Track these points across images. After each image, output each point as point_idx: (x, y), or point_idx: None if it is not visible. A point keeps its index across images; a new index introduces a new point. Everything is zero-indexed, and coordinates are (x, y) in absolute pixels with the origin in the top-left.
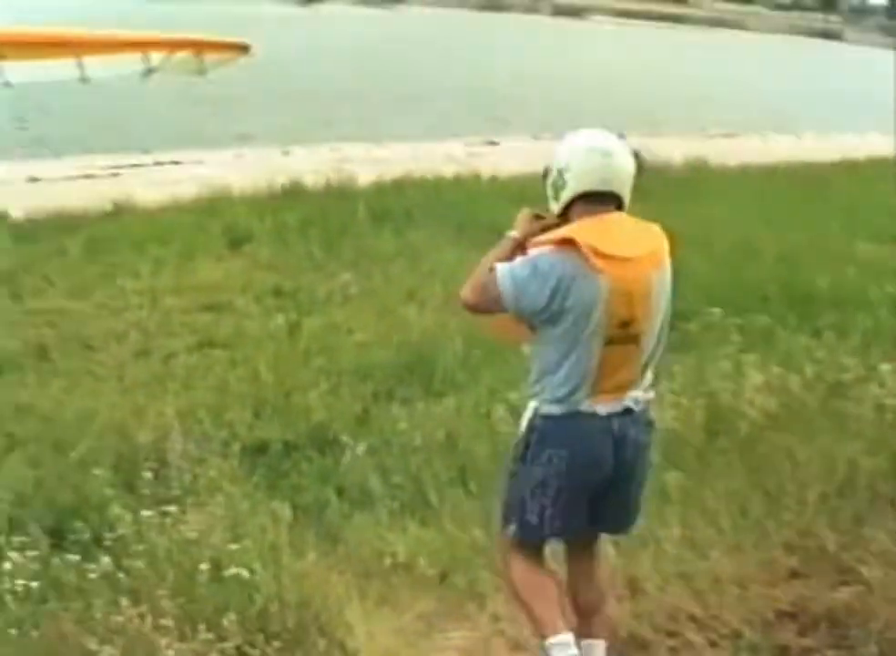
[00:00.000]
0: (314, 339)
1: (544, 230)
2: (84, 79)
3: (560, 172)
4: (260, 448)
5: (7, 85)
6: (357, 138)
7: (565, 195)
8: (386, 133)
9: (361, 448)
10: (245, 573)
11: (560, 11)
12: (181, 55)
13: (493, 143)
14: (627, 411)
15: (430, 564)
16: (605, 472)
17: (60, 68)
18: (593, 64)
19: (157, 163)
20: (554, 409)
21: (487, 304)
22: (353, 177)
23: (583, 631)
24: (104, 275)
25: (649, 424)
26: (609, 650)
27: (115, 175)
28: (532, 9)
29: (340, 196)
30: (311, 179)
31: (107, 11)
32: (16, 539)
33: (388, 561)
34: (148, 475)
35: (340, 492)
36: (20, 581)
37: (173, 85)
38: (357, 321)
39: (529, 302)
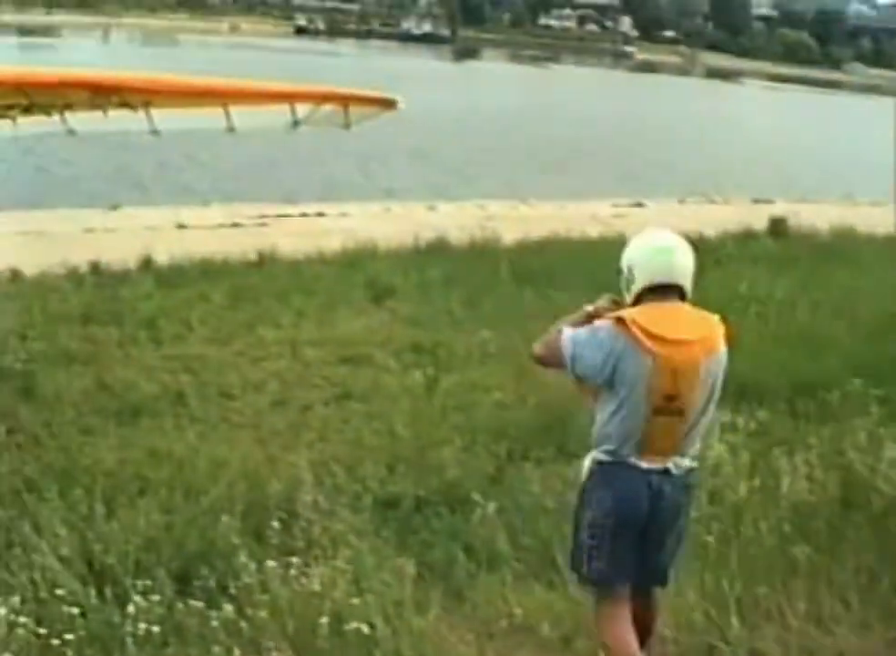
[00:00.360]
0: (451, 396)
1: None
2: (230, 129)
3: (629, 269)
4: (392, 503)
5: (155, 133)
6: (502, 195)
7: (635, 288)
8: (532, 192)
9: (491, 508)
10: (365, 628)
11: (713, 73)
12: (327, 108)
13: (639, 205)
14: (667, 471)
15: (553, 627)
16: (642, 515)
17: (207, 118)
18: (743, 128)
19: (303, 214)
20: (605, 458)
21: (551, 360)
22: (498, 235)
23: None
24: (245, 324)
25: (688, 487)
26: None
27: (261, 225)
28: (685, 71)
29: (483, 253)
30: (456, 236)
31: (257, 62)
32: (141, 583)
33: (510, 622)
34: (277, 525)
35: (468, 550)
36: (142, 625)
37: (320, 138)
38: (494, 379)
39: (583, 366)
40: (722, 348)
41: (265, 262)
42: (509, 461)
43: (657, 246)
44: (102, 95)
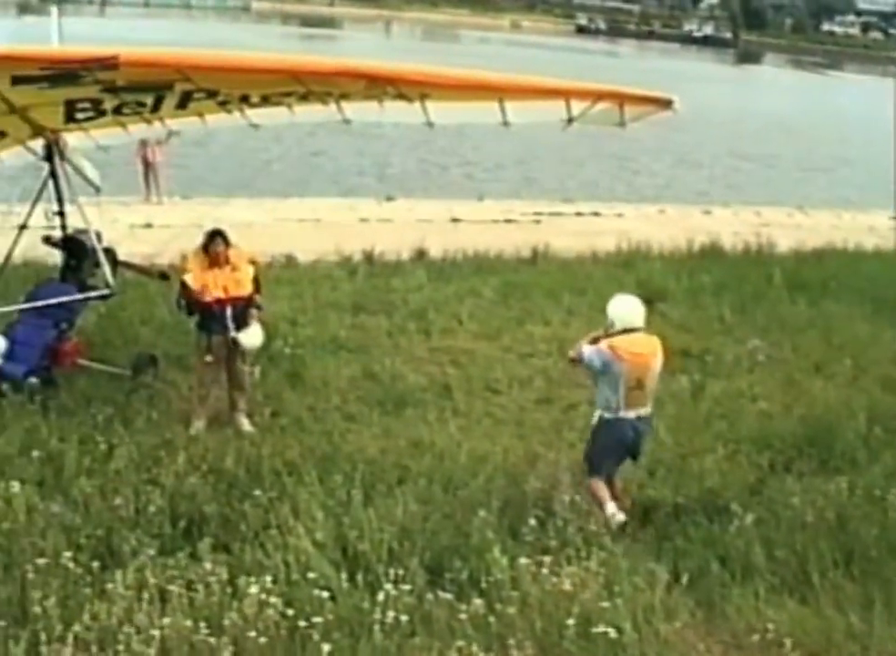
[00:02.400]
0: (716, 403)
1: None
2: (505, 123)
3: (612, 320)
4: (650, 507)
5: (430, 125)
6: (776, 202)
7: (616, 329)
8: (807, 199)
9: (749, 519)
10: (613, 632)
11: None
12: (603, 105)
13: None
14: (639, 417)
15: (801, 644)
16: (628, 443)
17: (482, 112)
18: None
19: (578, 213)
20: (608, 414)
21: (577, 362)
22: (772, 242)
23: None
24: (514, 320)
25: (649, 423)
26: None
27: (535, 222)
28: None
29: (757, 260)
30: (730, 241)
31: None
32: (394, 572)
33: (762, 637)
34: (533, 522)
35: (722, 560)
36: (391, 613)
37: (586, 136)
38: (761, 389)
39: (594, 365)
40: (661, 355)
41: (538, 259)
42: (771, 472)
43: (623, 307)
44: (379, 86)
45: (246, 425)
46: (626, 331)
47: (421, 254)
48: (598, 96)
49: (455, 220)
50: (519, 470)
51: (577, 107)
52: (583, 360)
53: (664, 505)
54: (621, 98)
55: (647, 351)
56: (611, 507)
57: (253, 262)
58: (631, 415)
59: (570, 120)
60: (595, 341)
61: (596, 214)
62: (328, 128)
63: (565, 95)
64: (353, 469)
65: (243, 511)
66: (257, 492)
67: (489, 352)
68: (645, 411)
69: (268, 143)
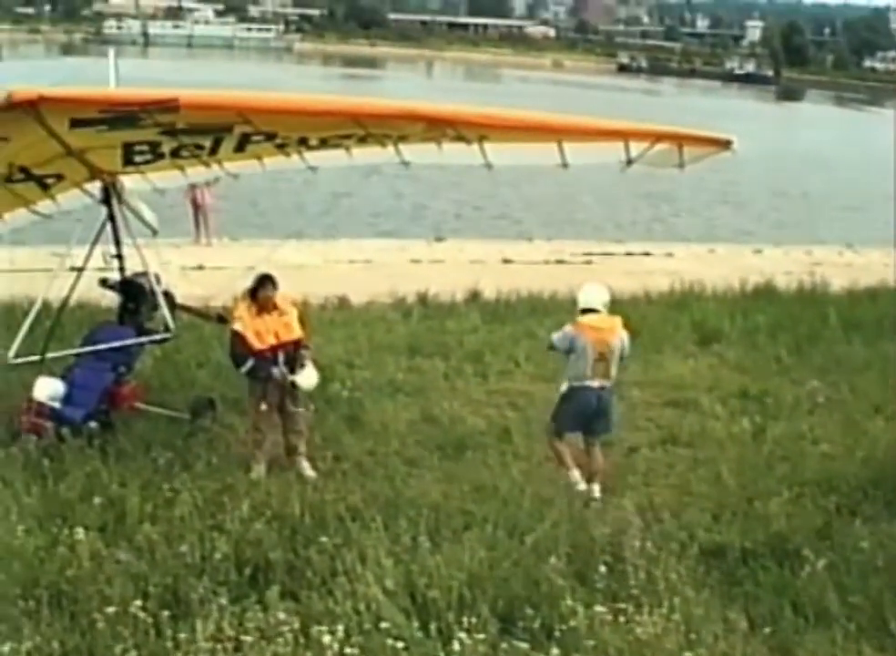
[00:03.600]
0: (778, 445)
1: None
2: (564, 165)
3: (577, 302)
4: (717, 553)
5: (488, 166)
6: (821, 240)
7: (579, 308)
8: (850, 237)
9: (820, 563)
10: None
11: None
12: (661, 147)
13: None
14: (602, 387)
15: None
16: (592, 408)
17: (540, 153)
18: None
19: (629, 253)
20: (575, 384)
21: (553, 348)
22: (825, 281)
23: (588, 479)
24: None
25: (611, 392)
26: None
27: (586, 262)
28: None
29: (811, 300)
30: (783, 281)
31: (579, 98)
32: (466, 620)
33: None
34: (603, 569)
35: (795, 606)
36: None
37: (623, 175)
38: (822, 430)
39: (561, 346)
40: (621, 332)
41: None
42: (837, 515)
43: (586, 291)
44: (438, 127)
45: (307, 469)
46: (585, 311)
47: (474, 296)
48: (657, 137)
49: (507, 261)
50: (585, 515)
51: (636, 148)
52: (555, 345)
53: (731, 549)
54: (680, 140)
55: (605, 327)
56: (575, 475)
57: (294, 305)
58: (595, 384)
59: (629, 162)
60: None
61: (647, 254)
62: (357, 168)
63: (624, 136)
64: (418, 515)
65: (309, 558)
66: (322, 538)
67: (547, 394)
68: (608, 382)
69: (298, 185)
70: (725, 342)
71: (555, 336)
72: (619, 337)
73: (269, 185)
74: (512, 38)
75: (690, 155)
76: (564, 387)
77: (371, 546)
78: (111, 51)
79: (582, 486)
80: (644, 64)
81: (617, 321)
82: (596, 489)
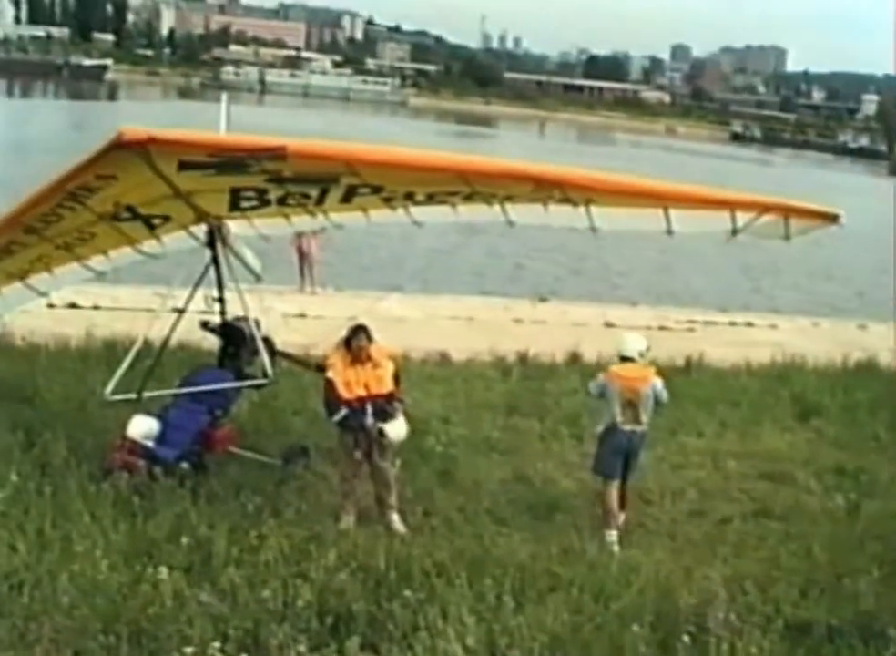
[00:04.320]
0: (872, 523)
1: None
2: (669, 232)
3: (619, 351)
4: (803, 628)
5: (594, 230)
6: None
7: (618, 356)
8: None
9: None
10: None
11: None
12: (768, 218)
13: None
14: (633, 431)
15: None
16: (624, 451)
17: (645, 218)
18: None
19: (732, 323)
20: (610, 426)
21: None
22: None
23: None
24: (667, 429)
25: (642, 438)
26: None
27: (689, 330)
28: None
29: None
30: (886, 358)
31: (690, 165)
32: None
33: None
34: (686, 639)
35: None
36: None
37: (721, 245)
38: None
39: (595, 392)
40: (652, 380)
41: (691, 369)
42: None
43: (624, 340)
44: (545, 189)
45: (397, 522)
46: (624, 359)
47: (575, 358)
48: (764, 208)
49: (609, 325)
50: (671, 584)
51: (742, 218)
52: (591, 391)
53: (817, 625)
54: (787, 212)
55: (634, 375)
56: (613, 536)
57: (392, 359)
58: (626, 428)
59: (735, 232)
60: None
61: (750, 324)
62: (456, 225)
63: (731, 206)
64: (504, 574)
65: (392, 611)
66: (406, 592)
67: (641, 461)
68: (639, 427)
69: (392, 240)
70: (824, 416)
71: (592, 384)
72: (650, 385)
73: (363, 239)
74: (626, 102)
75: (797, 227)
76: (599, 429)
77: (454, 602)
78: (224, 96)
79: (616, 547)
80: (757, 133)
81: (650, 370)
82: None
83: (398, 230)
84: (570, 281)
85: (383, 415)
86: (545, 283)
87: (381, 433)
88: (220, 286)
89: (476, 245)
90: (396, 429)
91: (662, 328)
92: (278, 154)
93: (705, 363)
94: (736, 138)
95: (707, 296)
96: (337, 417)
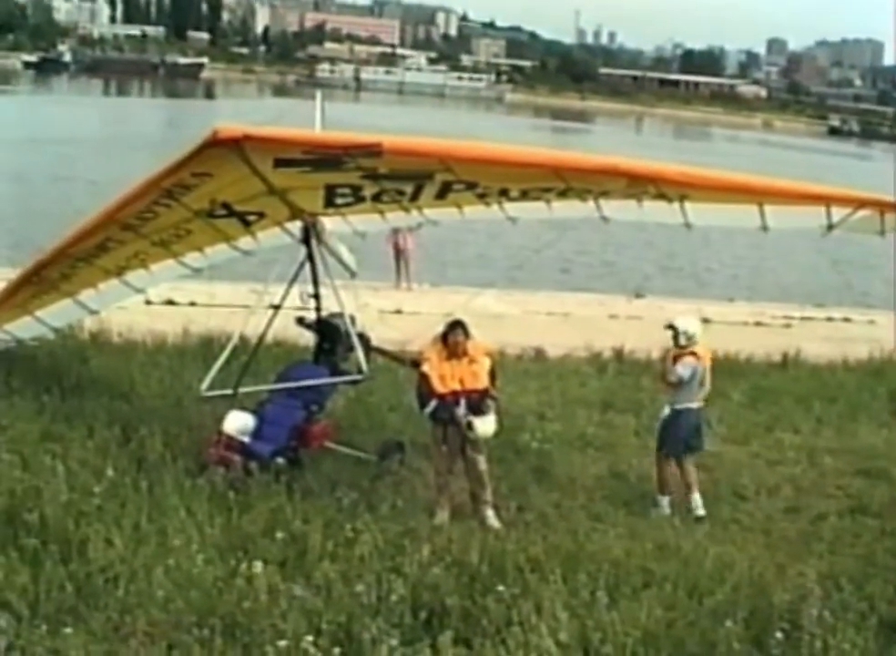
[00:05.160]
0: None
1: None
2: (764, 228)
3: (689, 337)
4: None
5: (688, 226)
6: None
7: (691, 343)
8: None
9: None
10: None
11: None
12: (864, 213)
13: None
14: (699, 408)
15: None
16: (693, 426)
17: (740, 214)
18: None
19: (829, 318)
20: (678, 407)
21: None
22: None
23: (686, 492)
24: (763, 425)
25: (705, 410)
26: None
27: (786, 326)
28: None
29: None
30: None
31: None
32: None
33: None
34: (780, 635)
35: None
36: None
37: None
38: None
39: (687, 377)
40: (707, 360)
41: (788, 364)
42: None
43: (693, 322)
44: (640, 185)
45: (492, 518)
46: (688, 339)
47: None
48: (860, 203)
49: (705, 321)
50: (765, 580)
51: (838, 213)
52: (683, 380)
53: None
54: (883, 207)
55: (708, 355)
56: (665, 505)
57: (489, 355)
58: (695, 405)
59: (830, 227)
60: (675, 358)
61: (847, 320)
62: (541, 223)
63: (827, 201)
64: (598, 570)
65: (485, 606)
66: (500, 587)
67: (737, 456)
68: (701, 403)
69: (479, 235)
70: None
71: (684, 372)
72: (707, 362)
73: (449, 235)
74: (723, 97)
75: (892, 222)
76: (666, 411)
77: (548, 598)
78: (318, 93)
79: (667, 510)
80: (855, 127)
81: (708, 351)
82: (697, 499)
83: (485, 227)
84: (659, 279)
85: (475, 410)
86: (635, 280)
87: (470, 426)
88: (316, 282)
89: (564, 242)
90: (485, 425)
91: (758, 324)
92: (373, 151)
93: (801, 358)
94: (833, 132)
95: (799, 292)
96: (428, 409)
